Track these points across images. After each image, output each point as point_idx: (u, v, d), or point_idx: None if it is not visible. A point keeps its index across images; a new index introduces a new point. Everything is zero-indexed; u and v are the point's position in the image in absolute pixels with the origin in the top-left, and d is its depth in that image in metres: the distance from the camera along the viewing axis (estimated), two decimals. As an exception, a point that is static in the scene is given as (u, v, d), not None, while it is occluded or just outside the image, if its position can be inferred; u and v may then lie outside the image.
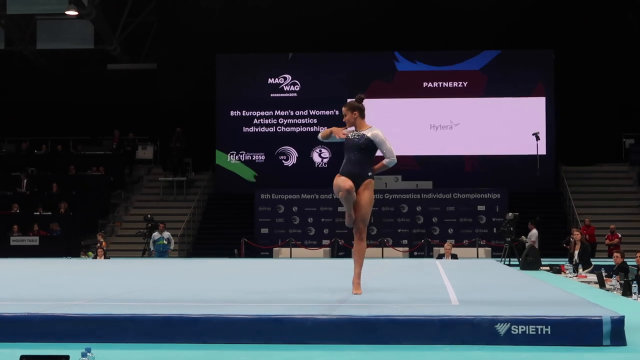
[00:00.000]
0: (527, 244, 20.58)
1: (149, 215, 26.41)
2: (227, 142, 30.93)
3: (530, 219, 24.22)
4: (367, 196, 8.69)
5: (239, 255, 25.95)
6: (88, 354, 4.80)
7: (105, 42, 30.92)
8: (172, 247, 25.20)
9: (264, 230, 27.71)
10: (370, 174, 8.69)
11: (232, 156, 30.84)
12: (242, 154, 30.82)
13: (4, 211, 27.92)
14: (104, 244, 24.09)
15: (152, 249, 24.91)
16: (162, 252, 24.66)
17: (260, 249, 26.62)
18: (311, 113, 30.69)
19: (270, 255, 26.19)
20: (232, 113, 30.97)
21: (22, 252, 24.60)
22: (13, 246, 26.26)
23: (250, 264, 17.92)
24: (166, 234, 25.03)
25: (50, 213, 27.84)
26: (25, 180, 29.33)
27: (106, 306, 7.95)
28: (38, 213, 27.52)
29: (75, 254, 25.19)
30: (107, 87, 32.35)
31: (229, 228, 28.36)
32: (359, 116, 8.70)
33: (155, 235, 24.92)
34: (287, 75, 30.88)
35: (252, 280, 12.28)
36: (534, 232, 23.53)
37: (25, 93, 32.45)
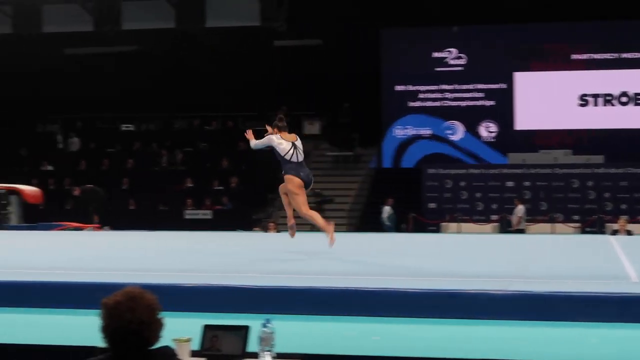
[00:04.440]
0: None
1: (317, 190, 26.70)
2: (392, 117, 30.89)
3: None
4: None
5: (407, 230, 25.95)
6: (268, 324, 4.87)
7: (271, 19, 31.32)
8: (395, 221, 25.47)
9: (432, 205, 27.58)
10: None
11: (398, 130, 30.79)
12: (408, 128, 30.73)
13: (179, 185, 28.84)
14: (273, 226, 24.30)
15: (386, 223, 25.36)
16: (390, 226, 25.02)
17: (427, 223, 26.52)
18: (477, 87, 30.29)
19: (438, 230, 26.06)
20: (397, 87, 30.90)
21: (195, 226, 25.30)
22: (187, 219, 27.10)
23: (418, 239, 17.86)
24: (392, 209, 25.43)
25: (222, 187, 28.58)
26: (179, 157, 30.23)
27: (282, 278, 8.10)
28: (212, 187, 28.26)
29: (247, 228, 25.73)
30: (274, 63, 32.81)
31: (396, 203, 28.37)
32: (280, 131, 11.38)
33: (386, 209, 25.31)
34: (452, 49, 30.55)
35: (422, 256, 12.26)
36: None
37: (193, 71, 33.25)
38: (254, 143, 11.70)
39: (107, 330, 3.77)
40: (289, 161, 11.30)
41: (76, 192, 25.15)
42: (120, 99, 32.89)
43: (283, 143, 11.28)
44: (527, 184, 26.99)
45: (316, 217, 11.58)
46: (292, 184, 11.28)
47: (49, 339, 6.25)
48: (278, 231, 22.63)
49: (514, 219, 25.47)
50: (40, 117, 34.62)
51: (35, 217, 24.98)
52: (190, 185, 28.96)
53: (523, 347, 6.23)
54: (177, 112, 33.66)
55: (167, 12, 30.69)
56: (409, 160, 30.40)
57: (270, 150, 11.41)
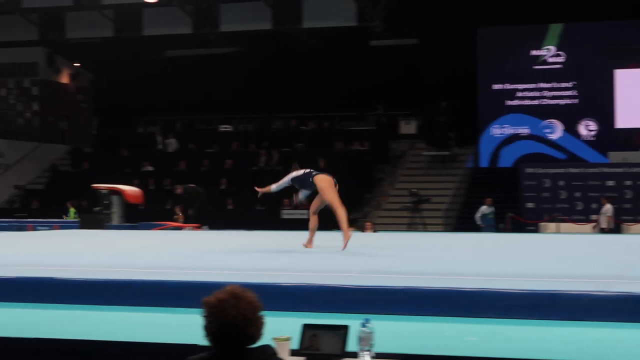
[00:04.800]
0: None
1: (413, 190, 26.64)
2: (490, 116, 30.61)
3: None
4: None
5: (505, 230, 25.68)
6: (367, 324, 4.88)
7: (367, 19, 31.35)
8: (496, 222, 25.30)
9: (530, 205, 27.24)
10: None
11: (495, 130, 30.50)
12: (505, 127, 30.41)
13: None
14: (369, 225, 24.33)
15: (479, 222, 25.25)
16: (489, 225, 24.91)
17: (526, 223, 26.20)
18: (576, 85, 29.78)
19: (536, 230, 25.72)
20: (494, 86, 30.60)
21: (292, 225, 25.44)
22: (284, 219, 27.29)
23: (517, 239, 17.66)
24: (492, 209, 25.26)
25: (318, 188, 28.67)
26: (276, 157, 30.44)
27: (380, 278, 8.10)
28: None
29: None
30: (370, 63, 32.82)
31: (493, 203, 28.08)
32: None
33: (484, 208, 25.22)
34: (550, 47, 30.11)
35: (520, 256, 12.13)
36: None
37: (290, 71, 33.48)
38: (274, 187, 12.72)
39: (211, 327, 3.84)
40: (305, 173, 12.53)
41: (178, 190, 25.54)
42: (218, 100, 33.34)
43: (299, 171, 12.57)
44: (628, 183, 26.45)
45: (345, 218, 12.36)
46: (325, 181, 12.31)
47: (151, 336, 6.38)
48: (375, 231, 22.64)
49: (602, 218, 24.96)
50: (141, 118, 35.33)
51: (136, 217, 25.51)
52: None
53: (628, 349, 6.12)
54: (274, 112, 33.95)
55: (264, 14, 30.97)
56: (507, 159, 30.08)
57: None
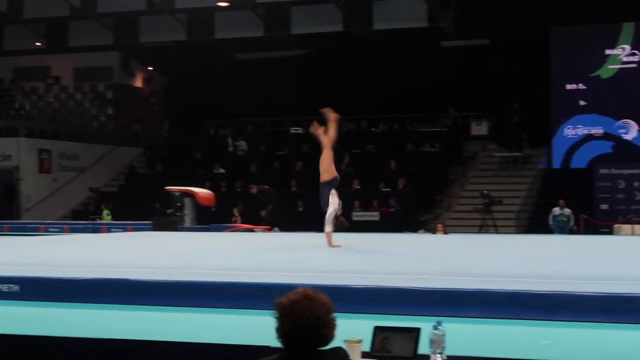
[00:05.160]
0: None
1: (485, 191, 26.45)
2: (562, 116, 30.23)
3: None
4: None
5: (578, 232, 25.34)
6: (439, 327, 4.86)
7: (438, 20, 31.21)
8: (571, 223, 25.02)
9: (604, 207, 26.82)
10: None
11: (568, 130, 30.11)
12: (578, 127, 30.01)
13: (346, 187, 29.07)
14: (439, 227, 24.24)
15: (551, 223, 25.05)
16: (562, 227, 24.67)
17: (599, 225, 25.82)
18: (652, 84, 29.31)
19: (610, 232, 25.32)
20: (567, 86, 30.22)
21: (363, 227, 25.43)
22: (355, 221, 27.27)
23: (588, 241, 17.41)
24: (567, 211, 24.98)
25: (389, 189, 28.66)
26: (346, 159, 30.43)
27: (452, 280, 8.06)
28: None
29: (413, 229, 25.69)
30: (441, 64, 32.66)
31: (566, 204, 27.72)
32: None
33: (556, 210, 25.02)
34: (625, 46, 29.64)
35: (594, 258, 11.98)
36: None
37: (360, 73, 33.48)
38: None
39: (284, 328, 3.86)
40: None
41: (253, 190, 25.72)
42: (288, 102, 33.47)
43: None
44: None
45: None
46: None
47: (224, 338, 6.45)
48: (446, 232, 22.55)
49: None
50: (213, 121, 35.65)
51: (208, 219, 25.75)
52: (358, 187, 29.16)
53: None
54: (345, 114, 33.92)
55: (334, 16, 31.05)
56: (580, 160, 29.67)
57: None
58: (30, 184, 31.78)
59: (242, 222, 25.06)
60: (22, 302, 8.41)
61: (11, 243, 16.78)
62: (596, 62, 29.75)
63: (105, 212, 28.26)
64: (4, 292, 8.52)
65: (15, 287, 8.53)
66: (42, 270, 9.36)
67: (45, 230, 25.49)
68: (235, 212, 25.98)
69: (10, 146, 31.54)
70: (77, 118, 35.84)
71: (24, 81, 37.37)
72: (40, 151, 32.29)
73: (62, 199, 31.68)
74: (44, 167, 32.33)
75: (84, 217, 28.89)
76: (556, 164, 30.27)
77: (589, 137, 29.74)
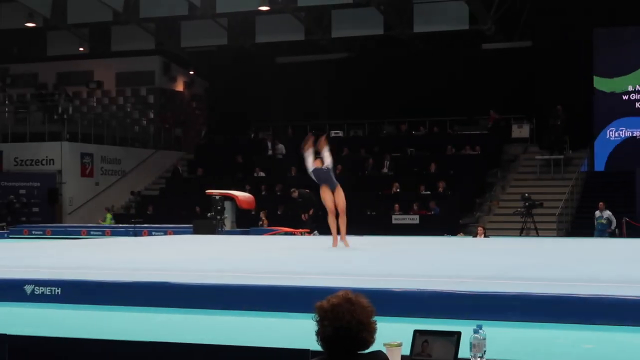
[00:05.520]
0: None
1: (526, 194, 26.26)
2: (606, 119, 29.94)
3: None
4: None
5: (620, 235, 25.08)
6: (480, 330, 4.84)
7: (479, 22, 31.06)
8: (612, 227, 24.79)
9: (647, 210, 26.55)
10: None
11: (611, 133, 29.83)
12: (621, 129, 29.72)
13: (386, 190, 29.05)
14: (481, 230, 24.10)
15: (598, 227, 24.92)
16: (602, 230, 24.49)
17: (642, 228, 25.54)
18: (697, 85, 28.95)
19: (653, 235, 25.04)
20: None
21: (403, 230, 25.40)
22: (395, 224, 27.25)
23: (630, 245, 17.23)
24: (606, 213, 24.78)
25: (429, 192, 28.58)
26: (387, 162, 30.38)
27: (493, 284, 8.02)
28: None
29: (453, 233, 25.59)
30: (482, 66, 32.51)
31: (609, 207, 27.44)
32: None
33: (596, 213, 24.85)
34: (669, 47, 29.33)
35: (636, 261, 11.86)
36: None
37: (401, 76, 33.42)
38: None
39: (324, 332, 3.85)
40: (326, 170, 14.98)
41: (294, 194, 25.78)
42: (329, 105, 33.50)
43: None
44: None
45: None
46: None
47: (264, 341, 6.46)
48: (486, 235, 22.43)
49: None
50: (253, 124, 35.76)
51: (249, 222, 25.81)
52: (398, 190, 29.09)
53: None
54: (385, 117, 33.92)
55: (375, 19, 31.01)
56: (623, 162, 29.35)
57: None
58: (73, 188, 32.11)
59: (269, 225, 25.18)
60: (64, 304, 8.49)
61: (53, 246, 16.95)
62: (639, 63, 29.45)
63: (109, 215, 28.68)
64: (47, 295, 8.61)
65: (58, 290, 8.62)
66: (84, 273, 9.45)
67: (87, 233, 25.74)
68: (262, 215, 26.10)
69: (53, 150, 31.90)
70: (119, 122, 36.13)
71: (67, 86, 37.77)
72: (83, 155, 32.62)
73: (104, 203, 31.94)
74: (86, 170, 32.65)
75: (125, 220, 29.11)
76: (599, 166, 30.00)
77: (632, 139, 29.45)
